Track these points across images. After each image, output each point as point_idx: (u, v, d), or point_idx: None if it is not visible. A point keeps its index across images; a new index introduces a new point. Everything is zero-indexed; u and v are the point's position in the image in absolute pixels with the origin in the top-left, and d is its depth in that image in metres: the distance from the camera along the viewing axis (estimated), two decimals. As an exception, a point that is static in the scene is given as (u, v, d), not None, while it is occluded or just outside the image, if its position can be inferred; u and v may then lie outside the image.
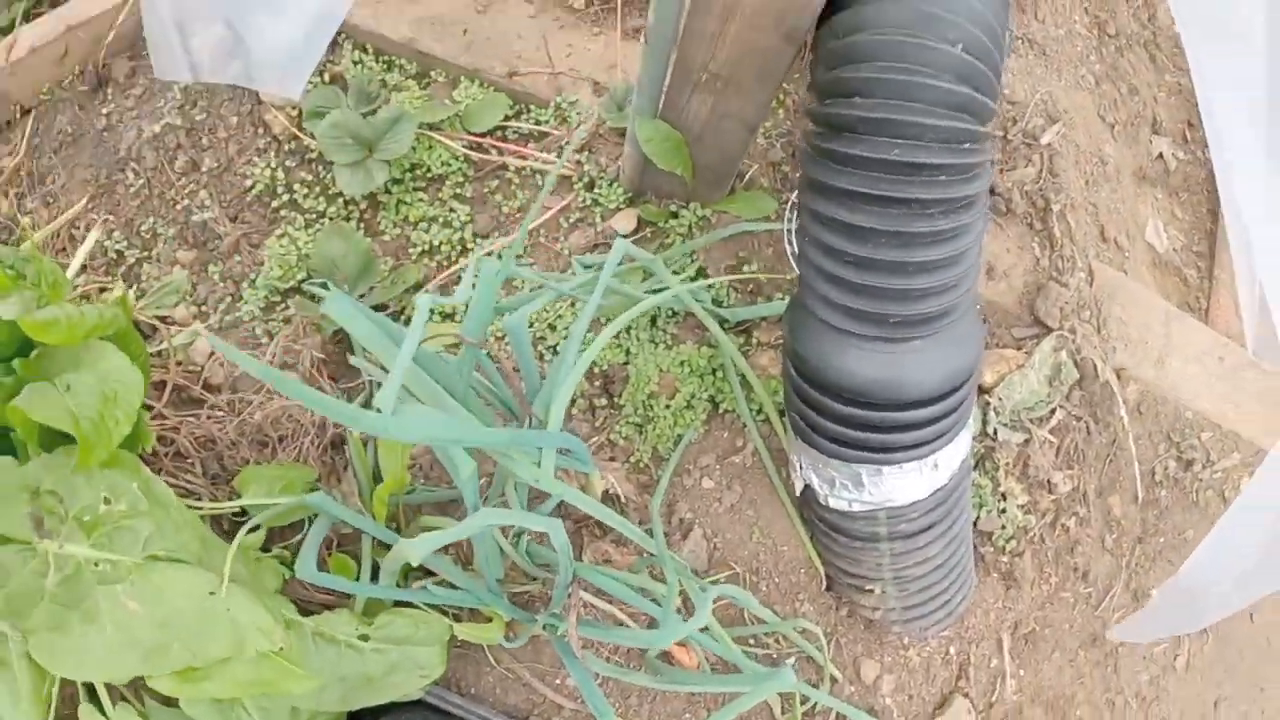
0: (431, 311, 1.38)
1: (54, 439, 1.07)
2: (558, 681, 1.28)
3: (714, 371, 1.33)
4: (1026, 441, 1.43)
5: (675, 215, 1.37)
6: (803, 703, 1.31)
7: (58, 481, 1.05)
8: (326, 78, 1.50)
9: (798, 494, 1.25)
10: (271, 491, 1.27)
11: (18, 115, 1.63)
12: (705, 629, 1.26)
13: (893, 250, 1.03)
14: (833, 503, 1.21)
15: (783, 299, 1.36)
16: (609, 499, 1.27)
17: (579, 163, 1.40)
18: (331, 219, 1.44)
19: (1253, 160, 0.91)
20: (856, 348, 1.09)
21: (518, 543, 1.17)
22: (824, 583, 1.33)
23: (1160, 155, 1.71)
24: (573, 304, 1.36)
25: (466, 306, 1.11)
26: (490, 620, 1.21)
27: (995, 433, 1.41)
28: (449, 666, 1.30)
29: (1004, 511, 1.41)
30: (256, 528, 1.28)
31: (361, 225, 1.44)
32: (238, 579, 1.11)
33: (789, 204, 1.38)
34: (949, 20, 0.99)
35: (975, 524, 1.40)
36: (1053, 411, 1.45)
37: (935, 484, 1.19)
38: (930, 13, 0.98)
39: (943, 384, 1.11)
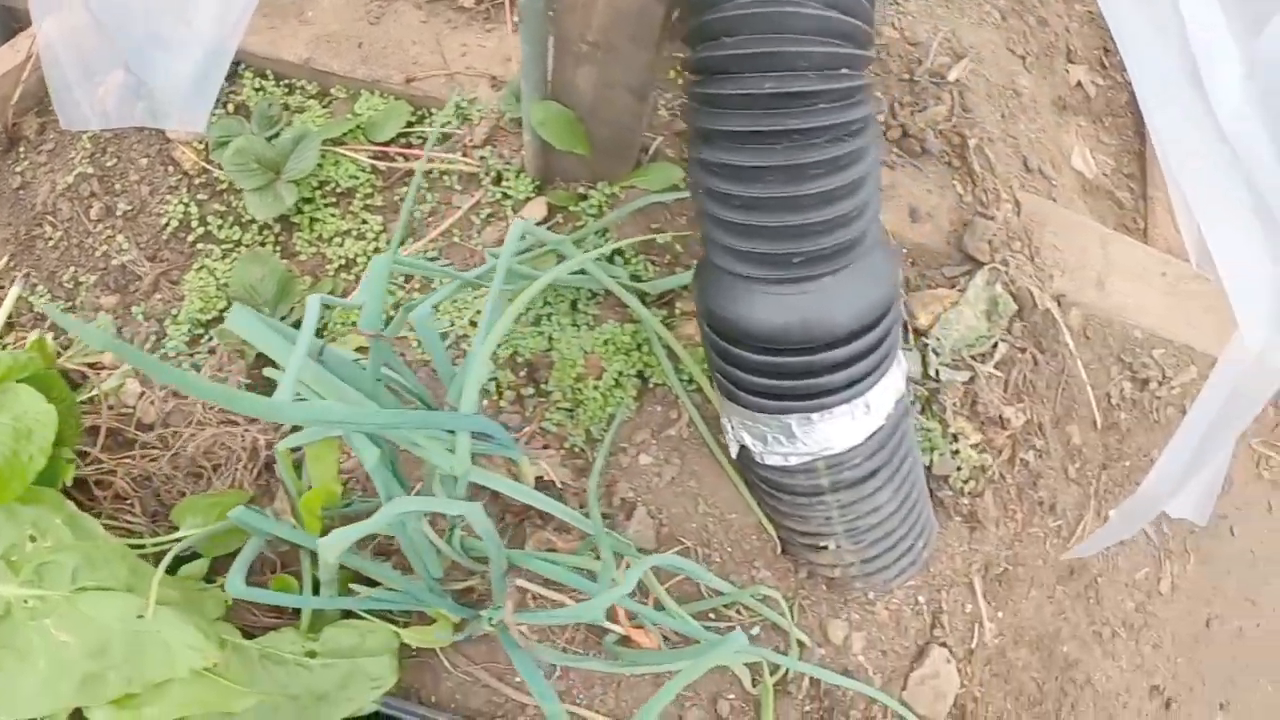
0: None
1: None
2: (518, 680, 1.25)
3: (639, 347, 1.31)
4: (971, 379, 1.40)
5: (584, 197, 1.36)
6: (774, 671, 1.28)
7: (-21, 524, 1.04)
8: (230, 108, 1.50)
9: (734, 456, 1.22)
10: (208, 520, 1.25)
11: (-78, 179, 1.63)
12: (662, 608, 1.24)
13: (783, 186, 1.01)
14: (769, 459, 1.18)
15: (702, 265, 1.34)
16: (546, 486, 1.25)
17: (483, 158, 1.39)
18: (248, 246, 1.44)
19: (1170, 81, 0.90)
20: (764, 293, 1.07)
21: (450, 538, 1.15)
22: (778, 546, 1.31)
23: (1079, 83, 1.70)
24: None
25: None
26: (435, 622, 1.18)
27: (938, 374, 1.39)
28: (405, 676, 1.27)
29: (957, 453, 1.38)
30: (195, 556, 1.27)
31: (278, 248, 1.43)
32: (169, 603, 1.10)
33: (696, 169, 1.37)
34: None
35: (929, 468, 1.37)
36: (995, 346, 1.42)
37: (870, 427, 1.16)
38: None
39: (858, 320, 1.09)
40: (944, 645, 1.35)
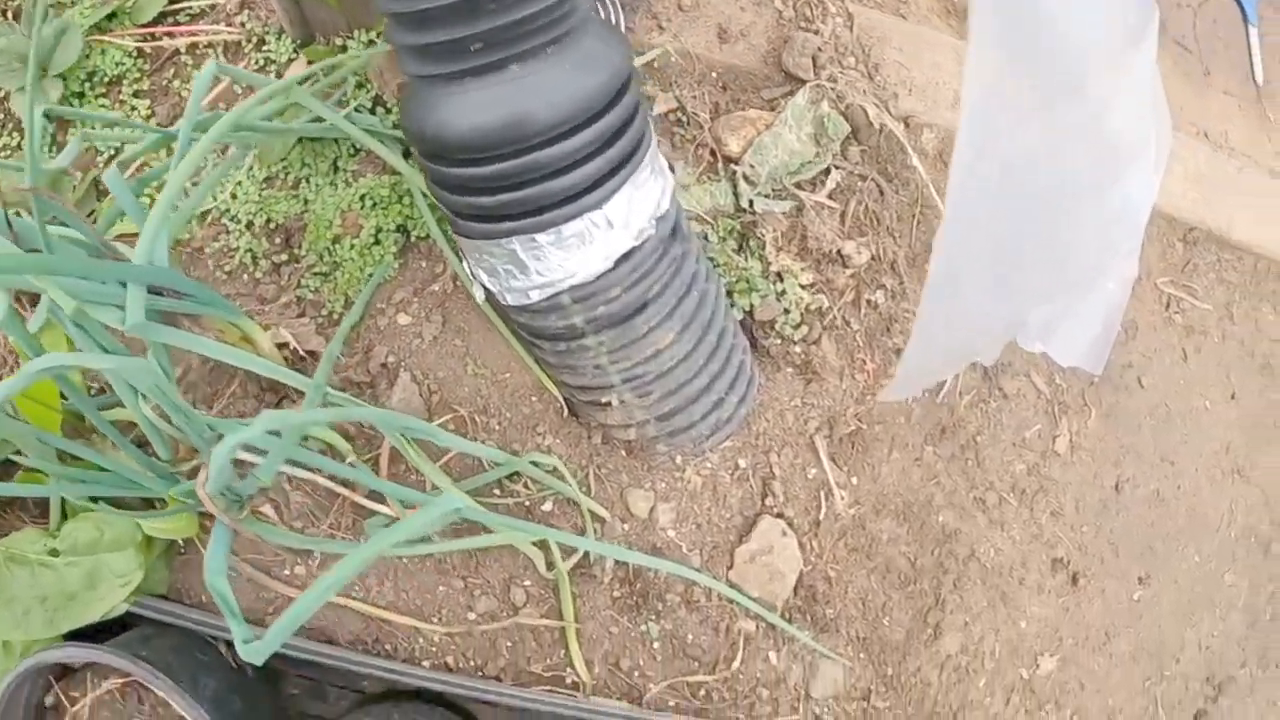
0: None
1: None
2: (286, 573, 1.14)
3: (400, 199, 1.18)
4: (798, 210, 1.22)
5: (344, 49, 1.24)
6: (571, 553, 1.12)
7: None
8: (10, 15, 1.44)
9: (481, 302, 1.07)
10: (-54, 423, 1.18)
11: None
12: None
13: (436, -48, 0.86)
14: (510, 298, 1.03)
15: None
16: (296, 357, 1.13)
17: (243, 24, 1.29)
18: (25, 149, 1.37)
19: None
20: (447, 93, 0.92)
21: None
22: (564, 408, 1.15)
23: (944, -111, 1.48)
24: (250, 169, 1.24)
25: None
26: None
27: (752, 204, 1.21)
28: (174, 575, 1.18)
29: (784, 294, 1.20)
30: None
31: (54, 146, 1.36)
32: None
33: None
34: None
35: (750, 312, 1.20)
36: (826, 173, 1.24)
37: (618, 249, 1.00)
38: None
39: (565, 113, 0.92)
40: (780, 516, 1.17)
